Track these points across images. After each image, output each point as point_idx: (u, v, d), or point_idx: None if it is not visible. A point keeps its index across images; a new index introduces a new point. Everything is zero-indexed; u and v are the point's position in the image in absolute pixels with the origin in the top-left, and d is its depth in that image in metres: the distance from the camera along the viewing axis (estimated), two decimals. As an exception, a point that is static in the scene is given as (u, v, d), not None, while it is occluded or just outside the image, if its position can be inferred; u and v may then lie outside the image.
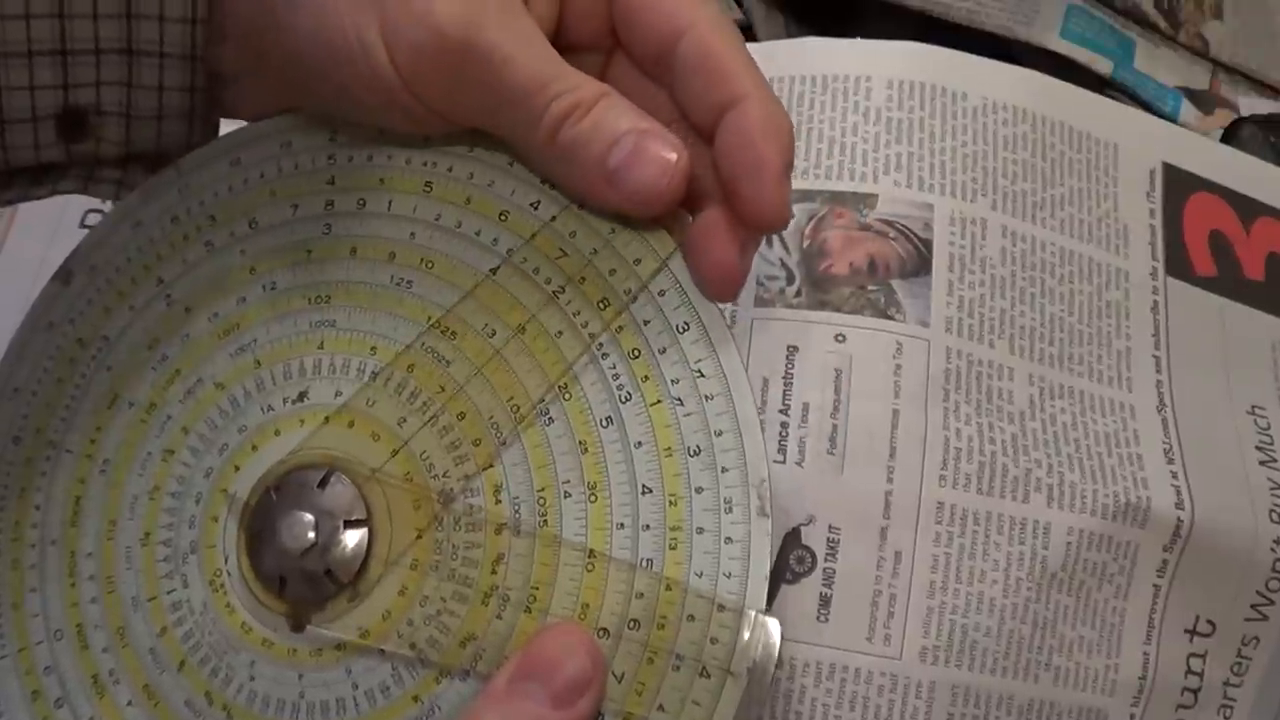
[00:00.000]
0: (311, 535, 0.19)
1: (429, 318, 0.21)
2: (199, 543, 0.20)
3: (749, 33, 0.31)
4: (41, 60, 0.17)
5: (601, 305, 0.21)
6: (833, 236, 0.22)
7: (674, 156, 0.17)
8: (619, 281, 0.21)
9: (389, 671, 0.19)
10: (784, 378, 0.21)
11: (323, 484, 0.20)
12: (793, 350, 0.21)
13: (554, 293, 0.21)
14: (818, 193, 0.22)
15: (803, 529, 0.20)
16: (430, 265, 0.22)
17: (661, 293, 0.21)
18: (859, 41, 0.25)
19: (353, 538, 0.19)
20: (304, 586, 0.19)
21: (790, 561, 0.20)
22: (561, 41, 0.18)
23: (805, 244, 0.22)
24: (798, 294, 0.22)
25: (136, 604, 0.20)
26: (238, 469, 0.20)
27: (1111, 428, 0.22)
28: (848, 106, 0.23)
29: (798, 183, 0.23)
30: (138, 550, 0.20)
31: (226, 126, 0.22)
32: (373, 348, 0.21)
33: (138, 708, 0.19)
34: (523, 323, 0.21)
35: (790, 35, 0.31)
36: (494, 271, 0.22)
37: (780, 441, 0.20)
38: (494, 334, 0.21)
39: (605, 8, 0.18)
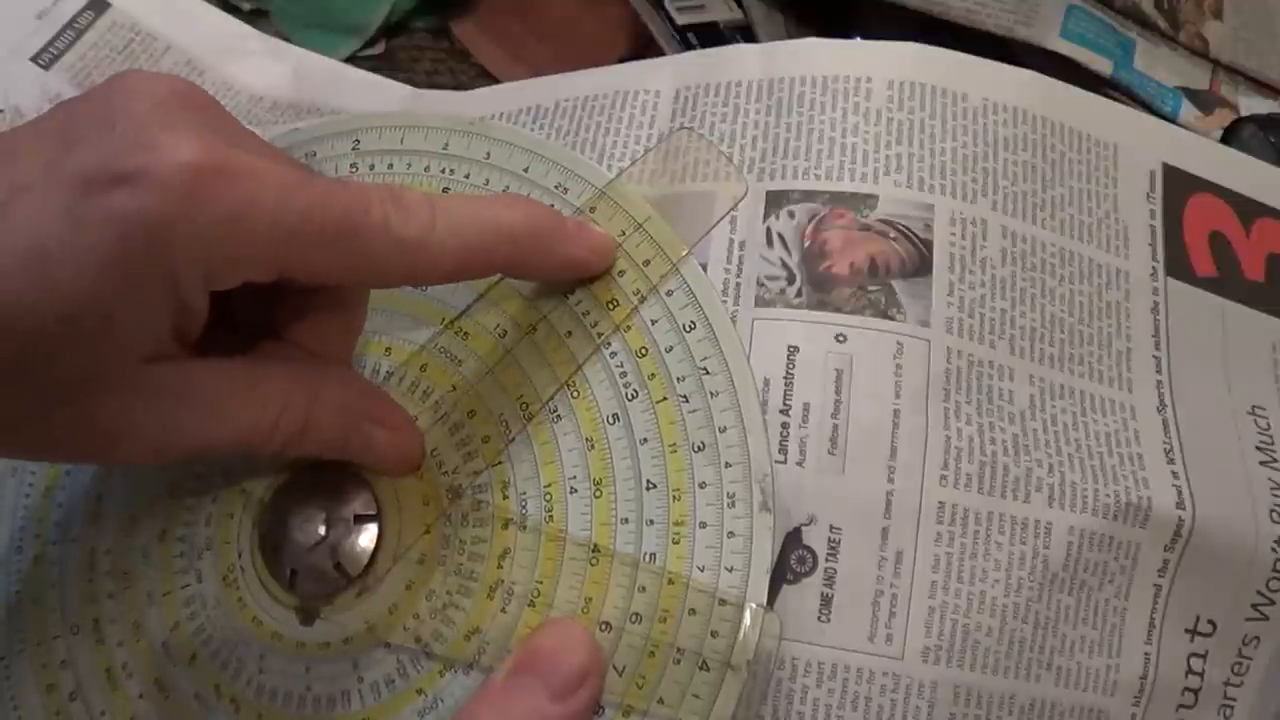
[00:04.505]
0: (322, 530, 0.20)
1: (443, 319, 0.22)
2: (214, 539, 0.20)
3: (749, 33, 0.31)
4: None
5: (610, 306, 0.21)
6: (833, 237, 0.22)
7: None
8: (629, 282, 0.21)
9: (394, 664, 0.19)
10: (784, 378, 0.21)
11: (335, 480, 0.20)
12: (793, 350, 0.21)
13: (565, 294, 0.21)
14: (818, 193, 0.23)
15: (804, 529, 0.20)
16: None
17: (669, 292, 0.21)
18: (859, 41, 0.25)
19: (362, 533, 0.20)
20: (314, 580, 0.20)
21: (791, 562, 0.20)
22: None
23: (805, 244, 0.22)
24: (798, 294, 0.22)
25: (152, 599, 0.20)
26: (254, 467, 0.21)
27: (1112, 428, 0.22)
28: (848, 107, 0.23)
29: (799, 183, 0.23)
30: (155, 546, 0.20)
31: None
32: (387, 349, 0.22)
33: (149, 700, 0.19)
34: (534, 323, 0.21)
35: (790, 35, 0.31)
36: (506, 274, 0.22)
37: (781, 442, 0.20)
38: (505, 334, 0.21)
39: None
